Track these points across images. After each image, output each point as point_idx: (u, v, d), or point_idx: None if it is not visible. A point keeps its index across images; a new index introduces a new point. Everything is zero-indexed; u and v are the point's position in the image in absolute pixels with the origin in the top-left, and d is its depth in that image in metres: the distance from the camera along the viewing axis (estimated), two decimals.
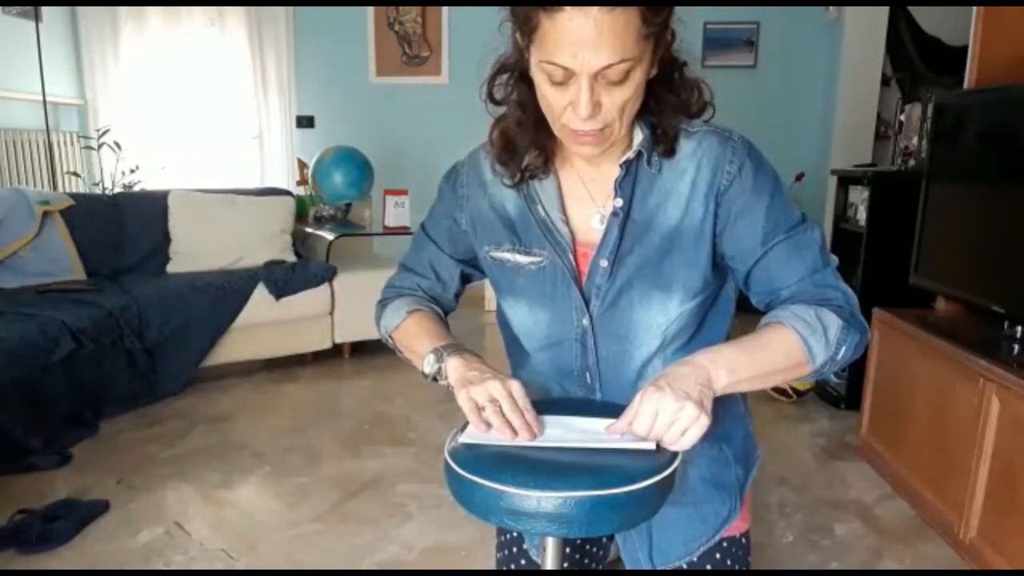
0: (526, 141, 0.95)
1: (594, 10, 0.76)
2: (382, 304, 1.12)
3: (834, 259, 0.95)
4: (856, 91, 4.45)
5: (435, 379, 0.96)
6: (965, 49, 2.35)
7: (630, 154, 0.93)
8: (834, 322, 0.89)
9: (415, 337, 1.03)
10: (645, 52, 0.82)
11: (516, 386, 0.87)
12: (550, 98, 0.85)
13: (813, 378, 0.92)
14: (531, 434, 0.84)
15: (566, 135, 0.88)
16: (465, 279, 1.13)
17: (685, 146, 0.93)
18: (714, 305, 1.01)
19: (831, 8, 4.49)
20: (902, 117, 3.04)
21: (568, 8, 0.77)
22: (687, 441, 0.80)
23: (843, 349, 0.89)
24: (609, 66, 0.79)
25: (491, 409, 0.85)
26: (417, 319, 1.05)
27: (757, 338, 0.89)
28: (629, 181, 0.94)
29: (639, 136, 0.93)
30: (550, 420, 0.89)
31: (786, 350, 0.88)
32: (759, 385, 0.89)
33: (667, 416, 0.79)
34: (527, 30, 0.82)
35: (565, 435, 0.85)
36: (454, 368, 0.94)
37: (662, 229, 0.94)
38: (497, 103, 0.95)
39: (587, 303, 0.97)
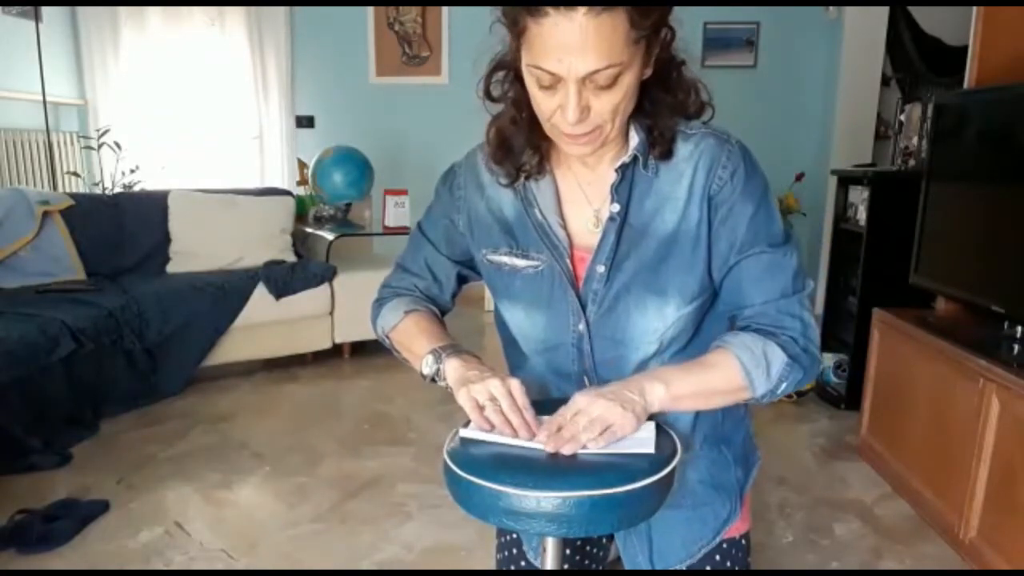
0: (521, 140, 0.94)
1: (579, 15, 0.75)
2: (379, 303, 1.12)
3: (809, 285, 0.94)
4: (856, 91, 4.45)
5: (433, 380, 0.96)
6: (965, 49, 2.34)
7: (625, 158, 0.92)
8: (778, 359, 0.89)
9: (413, 338, 1.02)
10: (635, 56, 0.81)
11: (516, 384, 0.87)
12: (539, 101, 0.85)
13: (754, 403, 0.94)
14: (530, 433, 0.85)
15: (557, 136, 0.88)
16: (462, 280, 1.13)
17: (683, 148, 0.93)
18: (712, 308, 1.01)
19: (831, 8, 4.49)
20: (902, 117, 3.04)
21: (553, 13, 0.76)
22: (594, 430, 0.82)
23: (784, 385, 0.90)
24: (596, 71, 0.78)
25: (491, 408, 0.86)
26: (414, 319, 1.05)
27: (700, 360, 0.91)
28: (625, 185, 0.93)
29: (635, 139, 0.92)
30: (549, 421, 0.89)
31: (727, 375, 0.89)
32: (702, 404, 0.92)
33: (585, 412, 0.83)
34: (515, 33, 0.82)
35: None
36: (453, 369, 0.94)
37: (659, 234, 0.93)
38: (494, 100, 0.95)
39: (583, 308, 0.97)
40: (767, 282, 0.92)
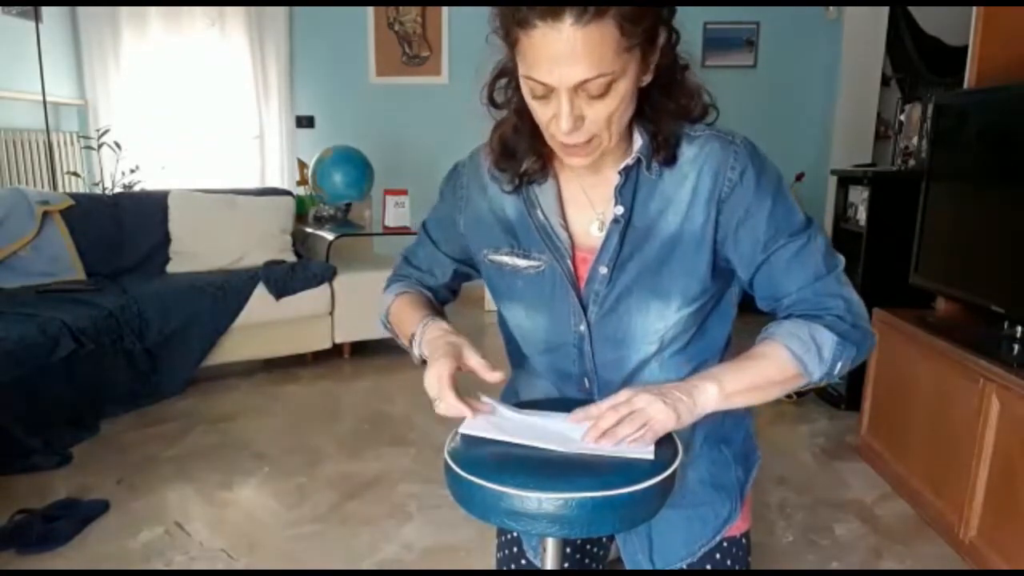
0: (524, 147, 0.94)
1: (566, 26, 0.75)
2: (383, 291, 1.16)
3: (840, 261, 0.94)
4: (856, 91, 4.45)
5: (423, 361, 0.98)
6: (965, 49, 2.34)
7: (629, 160, 0.92)
8: (828, 340, 0.88)
9: (402, 322, 1.06)
10: (628, 64, 0.80)
11: (446, 374, 0.87)
12: (536, 111, 0.85)
13: (813, 386, 0.93)
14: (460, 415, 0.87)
15: (556, 146, 0.88)
16: (462, 276, 1.15)
17: (687, 151, 0.92)
18: (716, 307, 1.01)
19: (831, 8, 4.49)
20: (902, 117, 3.04)
21: (541, 24, 0.75)
22: (634, 424, 0.82)
23: (839, 364, 0.90)
24: (587, 80, 0.78)
25: (439, 405, 0.88)
26: (401, 301, 1.08)
27: (749, 355, 0.90)
28: (629, 187, 0.93)
29: (638, 142, 0.92)
30: (551, 417, 0.89)
31: (779, 365, 0.89)
32: (759, 398, 0.90)
33: (629, 404, 0.83)
34: (509, 43, 0.82)
35: (567, 434, 0.85)
36: (427, 340, 0.96)
37: (662, 236, 0.93)
38: (498, 107, 0.95)
39: (584, 309, 0.97)
40: (798, 269, 0.91)
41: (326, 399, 3.19)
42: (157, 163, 4.47)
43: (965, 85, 2.34)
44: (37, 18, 3.84)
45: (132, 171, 4.16)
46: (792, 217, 0.92)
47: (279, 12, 4.64)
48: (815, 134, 4.78)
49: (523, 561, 1.12)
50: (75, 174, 4.19)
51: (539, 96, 0.82)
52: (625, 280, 0.94)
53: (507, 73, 0.92)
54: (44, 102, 3.85)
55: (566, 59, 0.76)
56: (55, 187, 3.98)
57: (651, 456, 0.81)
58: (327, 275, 3.51)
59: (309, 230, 3.93)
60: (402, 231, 3.84)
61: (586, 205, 0.97)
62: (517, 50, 0.81)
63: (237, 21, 4.61)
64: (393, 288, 1.13)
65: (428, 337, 0.95)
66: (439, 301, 1.15)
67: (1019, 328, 2.02)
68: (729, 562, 1.05)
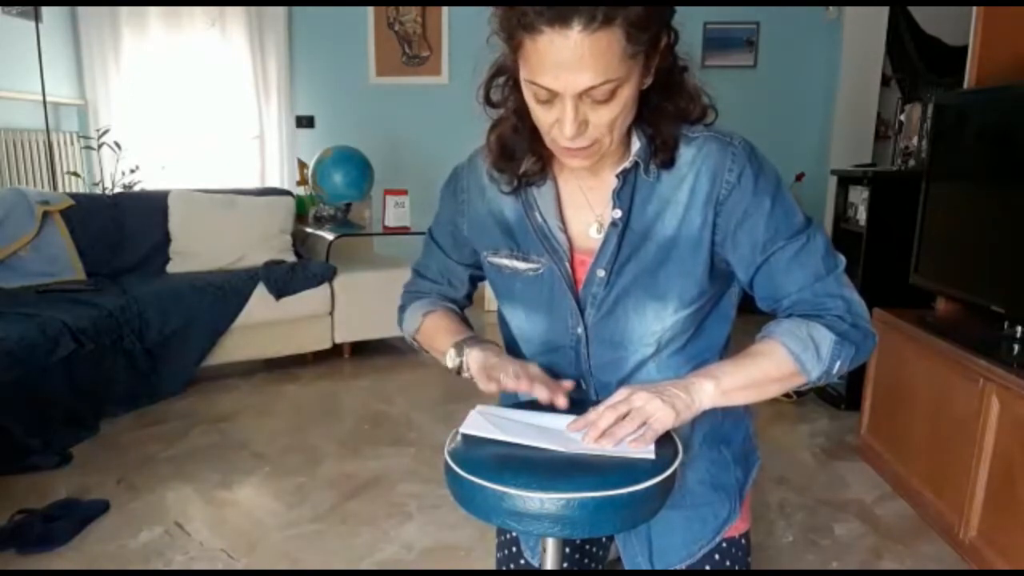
0: (523, 147, 0.94)
1: (574, 32, 0.74)
2: (401, 309, 1.16)
3: (841, 261, 0.93)
4: (856, 91, 4.45)
5: (459, 372, 1.00)
6: (965, 49, 2.34)
7: (626, 164, 0.91)
8: (826, 338, 0.88)
9: (435, 338, 1.07)
10: (632, 70, 0.80)
11: (534, 366, 0.92)
12: (538, 115, 0.85)
13: (812, 386, 0.92)
14: (550, 396, 0.90)
15: (557, 149, 0.88)
16: (475, 279, 1.16)
17: (685, 153, 0.92)
18: (715, 308, 1.01)
19: (831, 8, 4.49)
20: (902, 117, 3.04)
21: (548, 30, 0.75)
22: (633, 423, 0.82)
23: (838, 363, 0.89)
24: (592, 87, 0.78)
25: (506, 381, 0.91)
26: (433, 320, 1.09)
27: (747, 352, 0.90)
28: (627, 191, 0.93)
29: (636, 145, 0.92)
30: (551, 417, 0.89)
31: (777, 362, 0.88)
32: (756, 395, 0.90)
33: (627, 402, 0.84)
34: (512, 47, 0.81)
35: (567, 434, 0.85)
36: (475, 360, 0.97)
37: (659, 238, 0.93)
38: (493, 105, 0.94)
39: (582, 311, 0.97)
40: (797, 270, 0.91)
41: (326, 399, 3.19)
42: (157, 163, 4.46)
43: (965, 85, 2.34)
44: (37, 18, 3.84)
45: (132, 171, 4.16)
46: (791, 218, 0.92)
47: (279, 12, 4.64)
48: (815, 134, 4.78)
49: (522, 560, 1.12)
50: (75, 174, 4.18)
51: (542, 101, 0.82)
52: (623, 283, 0.94)
53: (504, 71, 0.91)
54: (44, 102, 3.85)
55: (573, 66, 0.76)
56: (55, 187, 3.98)
57: (652, 456, 0.81)
58: (327, 275, 3.51)
59: (309, 230, 3.93)
60: (402, 231, 3.84)
61: (584, 207, 0.97)
62: (520, 54, 0.80)
63: (237, 21, 4.60)
64: (417, 307, 1.12)
65: (484, 363, 0.97)
66: (460, 308, 1.16)
67: (1019, 328, 2.02)
68: (728, 562, 1.05)
